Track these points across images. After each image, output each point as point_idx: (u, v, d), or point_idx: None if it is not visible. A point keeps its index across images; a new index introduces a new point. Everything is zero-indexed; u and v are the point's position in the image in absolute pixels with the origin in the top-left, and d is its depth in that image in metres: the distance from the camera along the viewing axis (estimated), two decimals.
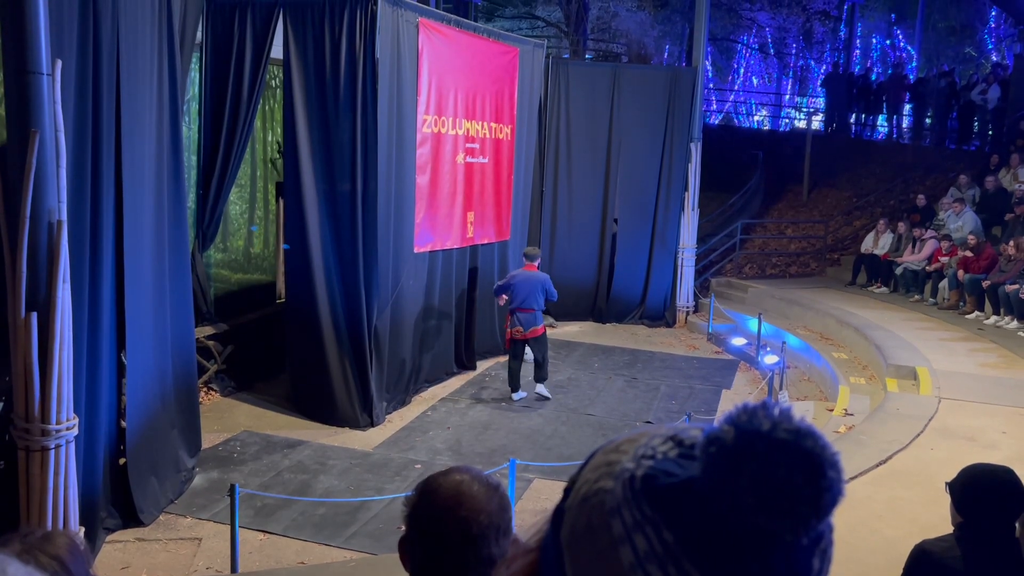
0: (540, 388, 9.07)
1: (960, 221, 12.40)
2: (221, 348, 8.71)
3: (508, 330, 9.04)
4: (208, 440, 7.43)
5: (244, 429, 7.87)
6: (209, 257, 8.86)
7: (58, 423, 4.66)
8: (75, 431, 4.82)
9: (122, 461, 6.05)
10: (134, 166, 5.83)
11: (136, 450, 6.06)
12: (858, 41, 23.69)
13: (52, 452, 4.66)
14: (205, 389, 8.57)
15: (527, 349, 9.09)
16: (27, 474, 4.65)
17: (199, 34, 7.88)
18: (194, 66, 8.14)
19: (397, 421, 8.32)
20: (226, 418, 8.16)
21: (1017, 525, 2.48)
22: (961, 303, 11.49)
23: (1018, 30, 15.83)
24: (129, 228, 5.78)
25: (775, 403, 0.70)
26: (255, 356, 9.13)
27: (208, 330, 8.56)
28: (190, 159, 8.27)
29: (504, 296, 8.97)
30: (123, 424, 6.11)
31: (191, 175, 8.23)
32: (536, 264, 9.09)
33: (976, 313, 11.15)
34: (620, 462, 0.73)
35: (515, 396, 9.04)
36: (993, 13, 21.73)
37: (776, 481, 0.65)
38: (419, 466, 7.12)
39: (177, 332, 6.70)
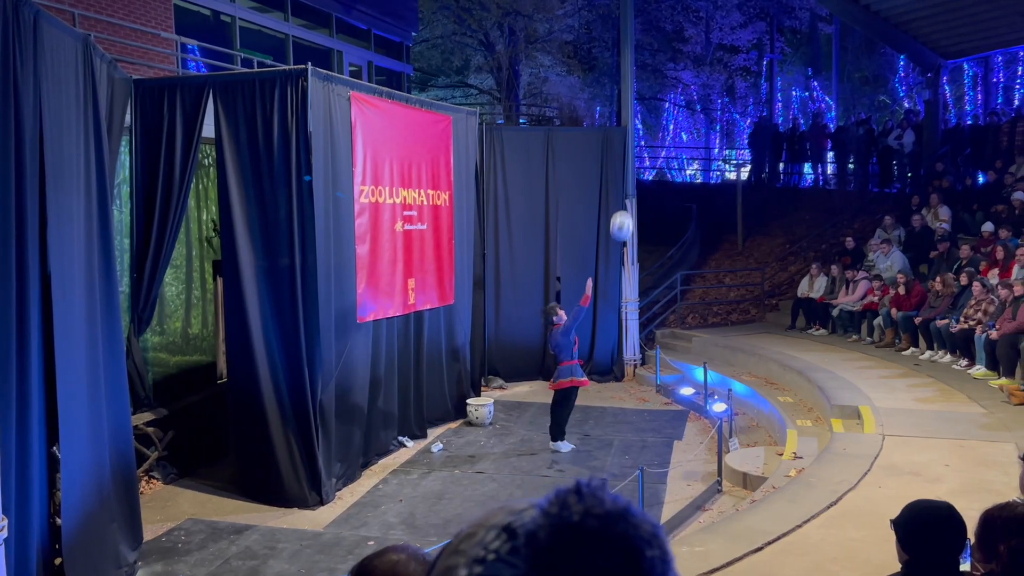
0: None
1: (889, 261, 12.84)
2: (161, 434, 8.44)
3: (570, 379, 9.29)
4: (150, 531, 7.14)
5: (188, 517, 7.59)
6: (146, 341, 8.65)
7: None
8: (4, 533, 4.60)
9: (58, 561, 5.77)
10: (62, 255, 5.71)
11: (73, 548, 5.79)
12: (779, 94, 24.69)
13: None
14: (146, 478, 8.27)
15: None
16: None
17: (128, 117, 7.85)
18: (124, 149, 8.07)
19: (348, 497, 8.12)
20: (169, 507, 7.86)
21: (971, 562, 2.52)
22: (897, 340, 11.81)
23: (926, 78, 16.69)
24: (59, 319, 5.62)
25: (588, 483, 0.69)
26: (198, 440, 8.87)
27: (147, 416, 8.29)
28: (122, 242, 8.14)
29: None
30: (58, 521, 5.85)
31: (124, 259, 8.09)
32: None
33: (912, 349, 11.47)
34: (457, 568, 0.72)
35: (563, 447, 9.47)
36: (902, 63, 22.91)
37: (595, 573, 0.64)
38: (372, 543, 6.93)
39: (113, 421, 6.49)
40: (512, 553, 0.69)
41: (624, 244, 12.88)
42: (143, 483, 8.09)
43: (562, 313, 9.53)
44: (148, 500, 7.84)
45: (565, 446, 9.43)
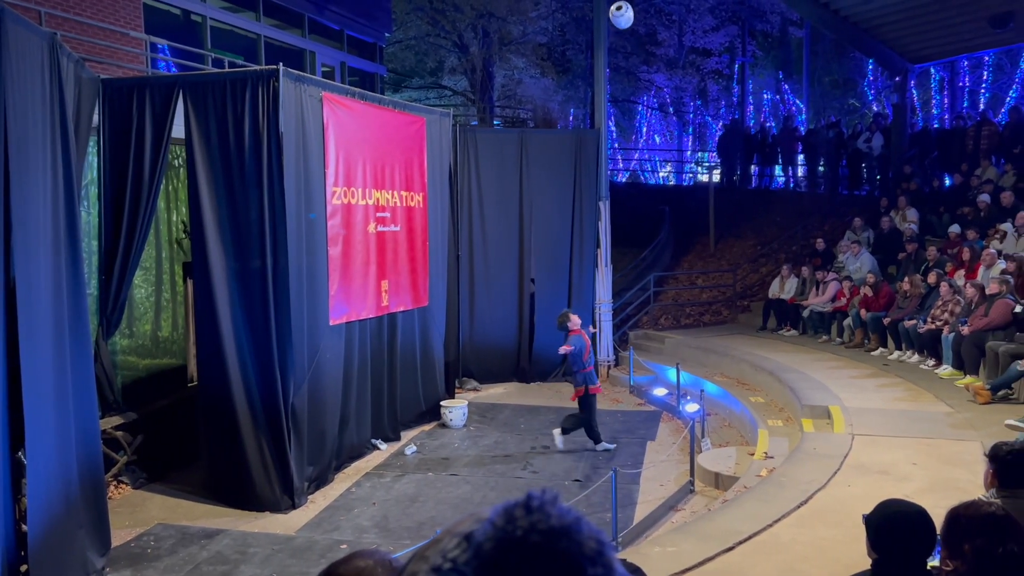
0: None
1: (858, 262, 13.00)
2: (130, 438, 8.33)
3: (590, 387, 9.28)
4: (119, 537, 7.05)
5: (158, 522, 7.50)
6: (114, 344, 8.53)
7: None
8: None
9: (24, 568, 5.68)
10: (27, 258, 5.62)
11: (39, 555, 5.70)
12: (750, 97, 24.90)
13: None
14: (115, 482, 8.16)
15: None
16: None
17: (96, 117, 7.74)
18: (92, 149, 7.95)
19: (320, 501, 8.07)
20: (138, 512, 7.76)
21: (939, 559, 2.55)
22: (866, 341, 11.96)
23: (894, 82, 16.93)
24: (24, 322, 5.53)
25: (539, 496, 0.69)
26: (168, 444, 8.76)
27: (116, 420, 8.18)
28: (91, 244, 8.02)
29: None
30: (24, 528, 5.75)
31: (92, 261, 7.97)
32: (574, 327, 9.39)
33: (880, 349, 11.62)
34: (418, 574, 0.72)
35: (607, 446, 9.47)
36: (871, 67, 23.21)
37: None
38: (345, 546, 6.89)
39: (81, 425, 6.39)
40: (466, 564, 0.69)
41: (598, 245, 12.93)
42: (112, 488, 7.98)
43: (575, 319, 9.47)
44: (117, 505, 7.73)
45: (605, 445, 9.45)
